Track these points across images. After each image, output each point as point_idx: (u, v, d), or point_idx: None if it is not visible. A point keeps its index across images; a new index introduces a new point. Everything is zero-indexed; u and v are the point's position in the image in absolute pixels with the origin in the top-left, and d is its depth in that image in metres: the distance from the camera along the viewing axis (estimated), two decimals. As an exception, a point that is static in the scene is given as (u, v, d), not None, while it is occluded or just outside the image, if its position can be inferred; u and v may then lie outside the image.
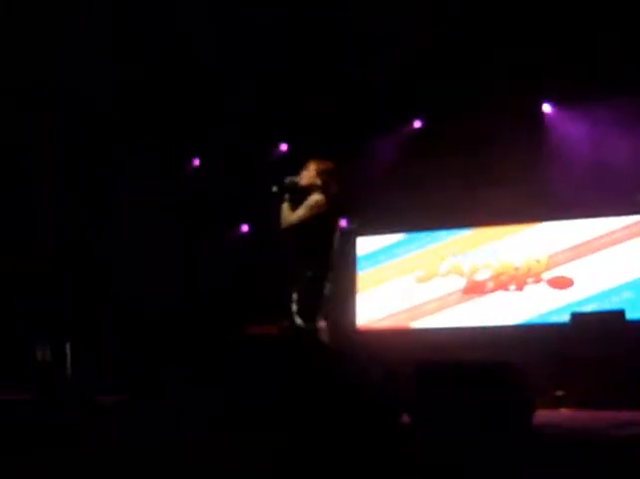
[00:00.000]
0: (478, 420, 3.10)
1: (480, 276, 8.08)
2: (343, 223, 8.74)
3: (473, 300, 8.06)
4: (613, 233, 7.50)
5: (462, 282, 8.16)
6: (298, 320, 4.70)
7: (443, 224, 8.35)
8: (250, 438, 2.95)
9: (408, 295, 8.37)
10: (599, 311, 7.03)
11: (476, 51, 7.52)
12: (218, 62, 7.98)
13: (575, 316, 6.56)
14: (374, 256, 8.71)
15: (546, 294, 7.71)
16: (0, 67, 7.18)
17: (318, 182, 4.89)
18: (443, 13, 7.15)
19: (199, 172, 9.57)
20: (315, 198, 4.80)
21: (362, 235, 8.77)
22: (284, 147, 9.23)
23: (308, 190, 4.89)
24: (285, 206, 4.87)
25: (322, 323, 6.93)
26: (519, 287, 7.85)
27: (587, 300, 7.44)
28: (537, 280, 7.77)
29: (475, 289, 8.07)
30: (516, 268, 7.90)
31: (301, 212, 4.79)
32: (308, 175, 4.95)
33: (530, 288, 7.80)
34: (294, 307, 4.79)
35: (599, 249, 7.53)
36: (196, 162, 9.65)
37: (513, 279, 7.90)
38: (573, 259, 7.64)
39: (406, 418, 3.20)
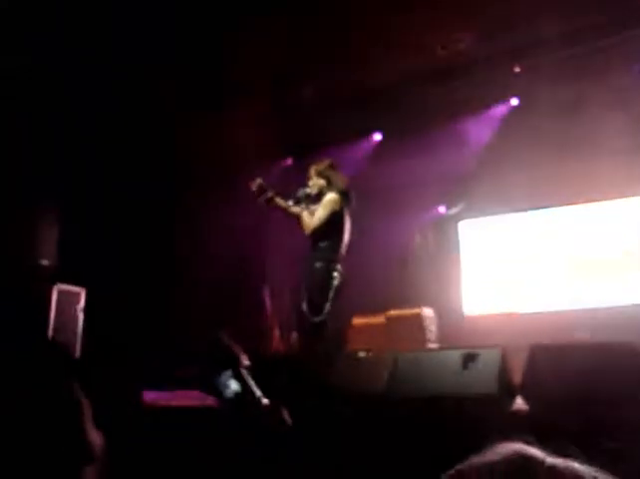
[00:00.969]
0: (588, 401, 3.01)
1: (588, 256, 7.80)
2: (442, 208, 8.71)
3: (581, 281, 7.80)
4: None
5: (568, 262, 7.91)
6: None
7: (545, 202, 8.12)
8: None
9: (514, 278, 8.19)
10: None
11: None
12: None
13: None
14: (476, 240, 8.57)
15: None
16: None
17: (323, 182, 5.24)
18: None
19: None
20: (328, 197, 5.14)
21: (463, 219, 8.65)
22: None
23: (320, 194, 5.23)
24: (305, 214, 5.20)
25: (428, 310, 6.96)
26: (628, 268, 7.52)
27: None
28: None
29: (582, 269, 7.81)
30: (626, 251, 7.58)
31: (320, 213, 5.12)
32: (312, 181, 5.30)
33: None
34: (304, 306, 4.93)
35: None
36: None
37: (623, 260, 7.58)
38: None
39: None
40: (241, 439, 3.10)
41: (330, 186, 5.24)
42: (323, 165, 5.36)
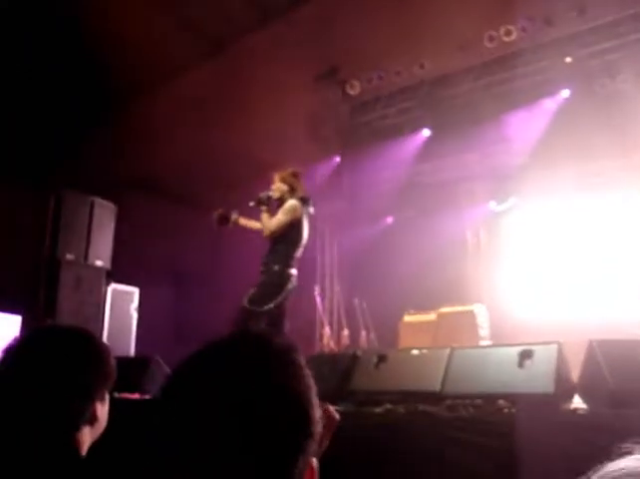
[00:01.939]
0: None
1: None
2: (493, 204, 8.58)
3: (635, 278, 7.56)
4: None
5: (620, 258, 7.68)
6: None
7: (597, 196, 7.91)
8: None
9: (565, 274, 8.00)
10: None
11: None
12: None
13: None
14: (526, 235, 8.41)
15: None
16: None
17: (285, 187, 5.40)
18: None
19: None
20: (290, 203, 5.28)
21: (514, 214, 8.51)
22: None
23: (281, 199, 5.38)
24: (265, 216, 5.33)
25: (481, 307, 6.87)
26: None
27: None
28: None
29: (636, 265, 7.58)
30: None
31: (280, 217, 5.26)
32: (276, 186, 5.46)
33: None
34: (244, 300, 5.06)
35: None
36: None
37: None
38: None
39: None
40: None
41: (292, 192, 5.40)
42: (287, 172, 5.53)
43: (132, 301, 7.98)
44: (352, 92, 9.23)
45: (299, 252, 5.38)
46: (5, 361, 1.53)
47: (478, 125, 8.34)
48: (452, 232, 8.25)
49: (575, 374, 3.28)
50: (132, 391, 4.81)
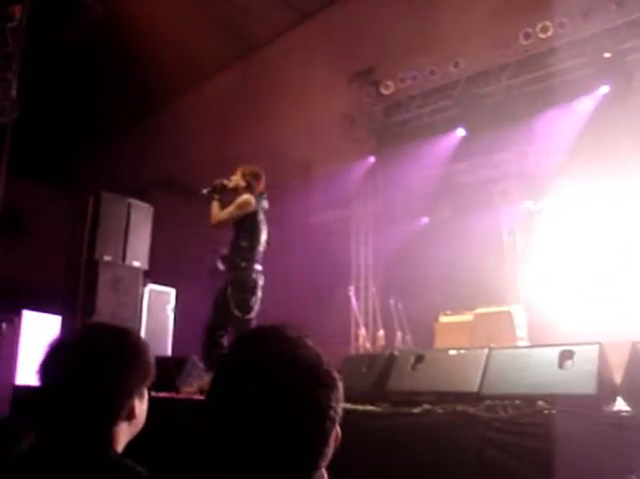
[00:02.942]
0: None
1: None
2: (529, 203, 8.45)
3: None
4: None
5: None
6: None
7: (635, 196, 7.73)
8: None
9: (601, 274, 7.83)
10: None
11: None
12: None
13: None
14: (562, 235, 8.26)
15: None
16: None
17: (242, 183, 5.40)
18: None
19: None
20: (244, 197, 5.28)
21: (550, 214, 8.37)
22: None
23: (235, 191, 5.39)
24: (215, 204, 5.37)
25: (518, 308, 6.78)
26: None
27: None
28: None
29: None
30: None
31: (231, 209, 5.28)
32: (235, 178, 5.45)
33: None
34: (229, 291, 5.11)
35: None
36: None
37: None
38: None
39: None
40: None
41: (247, 189, 5.40)
42: (249, 169, 5.53)
43: (168, 301, 8.07)
44: (386, 92, 9.20)
45: (262, 247, 5.37)
46: (48, 356, 1.57)
47: (513, 123, 8.24)
48: (487, 231, 8.15)
49: (618, 376, 3.21)
50: (169, 390, 4.86)
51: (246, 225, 5.28)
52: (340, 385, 1.13)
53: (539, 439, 2.72)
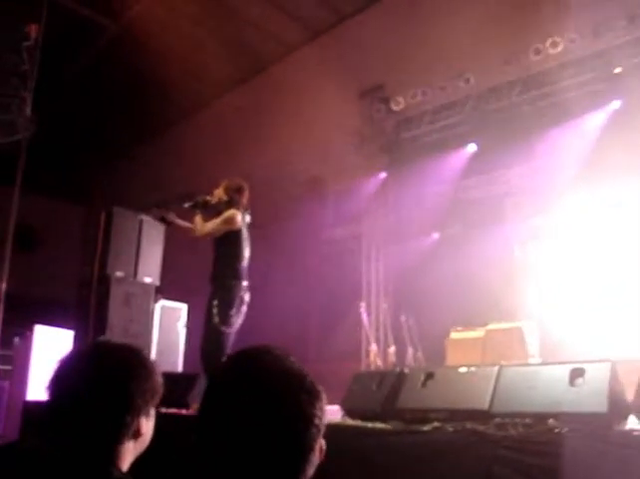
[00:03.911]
0: None
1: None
2: (540, 219, 8.42)
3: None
4: None
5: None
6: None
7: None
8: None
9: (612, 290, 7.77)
10: None
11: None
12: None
13: None
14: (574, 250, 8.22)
15: None
16: None
17: (225, 198, 5.37)
18: None
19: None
20: (231, 212, 5.26)
21: (561, 229, 8.34)
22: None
23: (217, 205, 5.38)
24: (198, 218, 5.40)
25: (530, 324, 6.74)
26: None
27: None
28: None
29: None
30: None
31: (218, 222, 5.28)
32: (218, 192, 5.42)
33: None
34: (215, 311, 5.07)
35: None
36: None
37: None
38: None
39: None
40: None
41: (229, 204, 5.36)
42: (233, 184, 5.49)
43: (180, 317, 8.09)
44: (397, 108, 9.23)
45: (246, 263, 5.35)
46: (57, 372, 1.60)
47: (524, 139, 8.24)
48: (498, 247, 8.13)
49: (630, 394, 3.19)
50: (179, 407, 4.87)
51: (230, 239, 5.26)
52: (324, 397, 1.21)
53: (550, 458, 2.70)
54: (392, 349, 8.07)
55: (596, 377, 3.04)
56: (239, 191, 5.45)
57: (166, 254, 7.84)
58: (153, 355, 7.40)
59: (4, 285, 7.25)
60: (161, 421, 1.74)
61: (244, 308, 5.25)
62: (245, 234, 5.37)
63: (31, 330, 8.02)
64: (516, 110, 8.48)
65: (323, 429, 1.19)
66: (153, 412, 1.68)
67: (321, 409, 1.19)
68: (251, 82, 12.03)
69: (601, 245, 7.87)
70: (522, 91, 8.34)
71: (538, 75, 8.16)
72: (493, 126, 8.64)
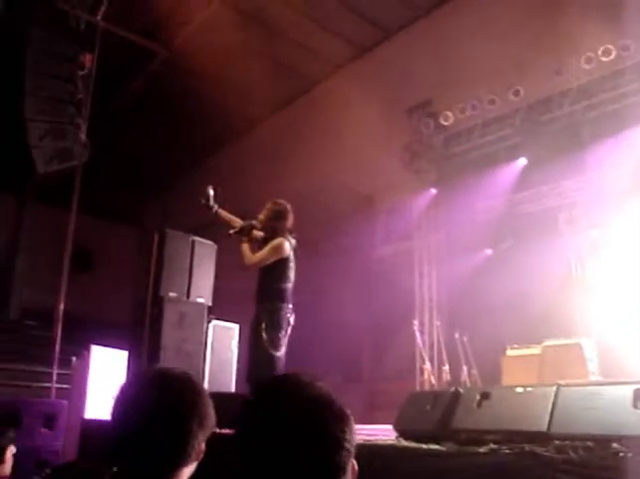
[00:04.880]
0: None
1: None
2: (597, 232, 8.20)
3: None
4: None
5: None
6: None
7: None
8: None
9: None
10: None
11: None
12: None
13: None
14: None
15: None
16: None
17: (269, 225, 5.22)
18: None
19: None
20: (278, 241, 5.12)
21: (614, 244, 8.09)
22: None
23: (263, 230, 5.25)
24: (245, 246, 5.20)
25: (589, 341, 6.53)
26: None
27: None
28: None
29: None
30: None
31: (265, 252, 5.13)
32: (261, 217, 5.28)
33: None
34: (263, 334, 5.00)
35: None
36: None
37: None
38: None
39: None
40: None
41: (274, 232, 5.22)
42: (277, 208, 5.31)
43: (232, 337, 8.13)
44: (446, 122, 9.17)
45: (292, 285, 5.25)
46: (121, 399, 1.66)
47: (576, 150, 8.06)
48: (553, 261, 7.94)
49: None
50: (232, 427, 4.86)
51: (277, 262, 5.17)
52: (352, 420, 1.27)
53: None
54: (446, 367, 7.95)
55: (661, 397, 2.91)
56: (283, 216, 5.34)
57: (218, 274, 7.91)
58: (206, 375, 7.46)
59: (62, 306, 7.42)
60: (214, 442, 1.76)
61: (289, 330, 5.20)
62: (292, 257, 5.30)
63: (88, 350, 8.18)
64: (568, 121, 8.31)
65: (353, 451, 1.24)
66: (203, 442, 1.70)
67: (350, 433, 1.24)
68: (299, 101, 12.12)
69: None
70: (574, 101, 8.17)
71: (590, 84, 7.99)
72: (545, 138, 8.48)
